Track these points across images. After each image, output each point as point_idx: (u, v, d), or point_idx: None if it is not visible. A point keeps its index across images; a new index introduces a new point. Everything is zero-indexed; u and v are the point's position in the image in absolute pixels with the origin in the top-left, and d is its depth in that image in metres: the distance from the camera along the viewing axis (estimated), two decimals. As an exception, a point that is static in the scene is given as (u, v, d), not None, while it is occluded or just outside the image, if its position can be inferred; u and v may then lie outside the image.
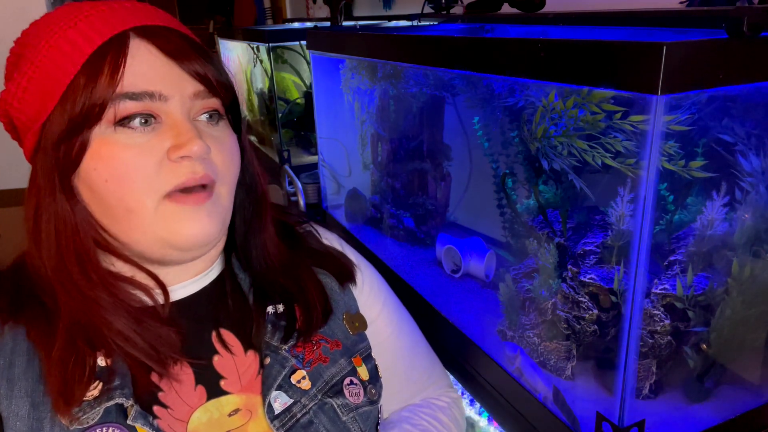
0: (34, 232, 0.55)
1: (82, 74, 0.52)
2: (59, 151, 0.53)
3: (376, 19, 1.85)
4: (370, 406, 0.64)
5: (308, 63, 1.77)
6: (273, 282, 0.65)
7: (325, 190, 1.41)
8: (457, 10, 1.18)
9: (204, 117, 0.57)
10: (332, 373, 0.63)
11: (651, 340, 0.67)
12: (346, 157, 1.36)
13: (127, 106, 0.52)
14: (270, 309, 0.64)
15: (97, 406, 0.53)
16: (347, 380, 0.64)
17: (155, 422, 0.55)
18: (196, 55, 0.55)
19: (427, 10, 1.20)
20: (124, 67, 0.52)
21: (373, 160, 1.25)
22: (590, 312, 0.69)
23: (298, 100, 1.93)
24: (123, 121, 0.53)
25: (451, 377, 0.90)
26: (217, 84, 0.57)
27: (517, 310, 0.80)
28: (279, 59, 1.89)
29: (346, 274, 0.72)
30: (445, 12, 1.18)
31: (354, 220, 1.34)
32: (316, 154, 1.63)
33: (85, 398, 0.53)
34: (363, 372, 0.66)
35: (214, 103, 0.58)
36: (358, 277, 0.74)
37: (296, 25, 2.31)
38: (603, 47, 0.51)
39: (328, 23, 1.85)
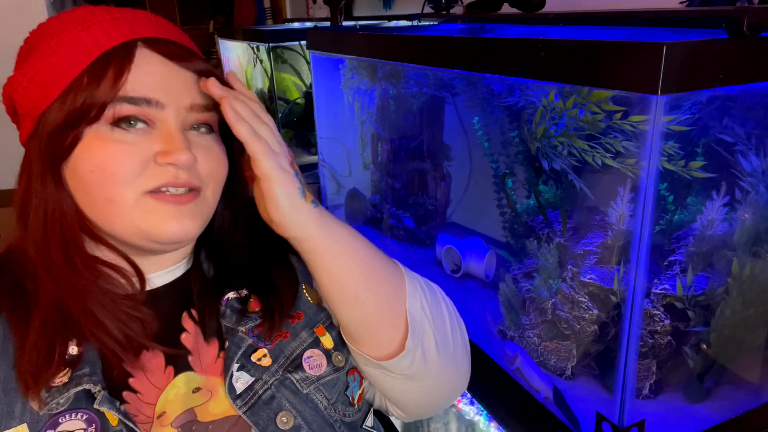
0: (23, 213, 0.58)
1: (86, 73, 0.55)
2: (53, 140, 0.56)
3: (376, 19, 1.85)
4: (336, 373, 0.66)
5: (308, 63, 1.77)
6: (238, 271, 0.67)
7: (325, 190, 1.41)
8: (457, 10, 1.18)
9: (193, 128, 0.60)
10: (293, 347, 0.65)
11: (651, 340, 0.67)
12: (346, 157, 1.36)
13: (123, 109, 0.55)
14: (231, 294, 0.66)
15: (65, 391, 0.55)
16: (307, 353, 0.65)
17: (122, 407, 0.57)
18: (198, 72, 0.59)
19: (427, 10, 1.20)
20: (128, 73, 0.55)
21: (373, 160, 1.25)
22: (590, 312, 0.69)
23: (298, 100, 1.93)
24: (118, 122, 0.56)
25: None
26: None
27: (517, 310, 0.80)
28: (279, 59, 1.89)
29: None
30: (445, 12, 1.18)
31: (354, 220, 1.34)
32: (316, 154, 1.63)
33: (54, 384, 0.55)
34: (327, 341, 0.67)
35: (208, 117, 0.60)
36: None
37: (296, 25, 2.31)
38: (603, 47, 0.51)
39: (328, 23, 1.85)
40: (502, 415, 0.78)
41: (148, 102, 0.56)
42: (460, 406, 1.06)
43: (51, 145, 0.57)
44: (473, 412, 1.00)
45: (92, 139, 0.56)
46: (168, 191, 0.56)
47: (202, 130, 0.61)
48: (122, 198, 0.56)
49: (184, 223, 0.57)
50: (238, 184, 0.67)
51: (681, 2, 0.95)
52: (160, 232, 0.57)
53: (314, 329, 0.67)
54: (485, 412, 0.87)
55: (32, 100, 0.58)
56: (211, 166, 0.60)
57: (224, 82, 0.61)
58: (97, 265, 0.59)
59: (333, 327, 0.69)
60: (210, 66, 0.61)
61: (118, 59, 0.55)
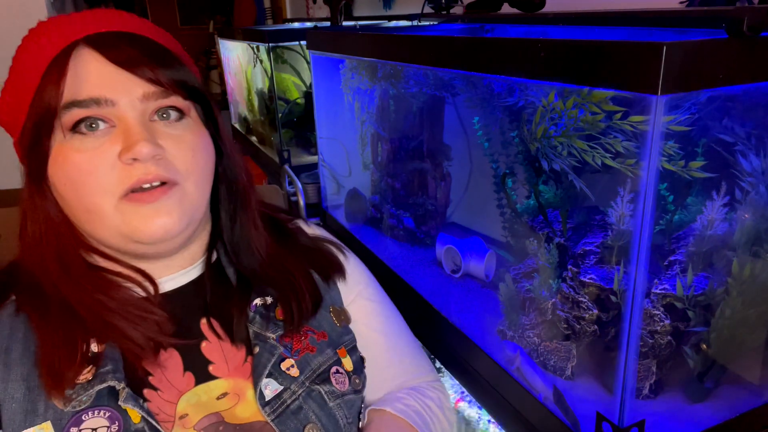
0: (22, 230, 0.59)
1: (40, 86, 0.55)
2: (30, 157, 0.57)
3: (376, 19, 1.85)
4: (354, 395, 0.66)
5: (308, 63, 1.77)
6: (262, 275, 0.66)
7: (325, 190, 1.41)
8: (457, 10, 1.18)
9: (162, 117, 0.58)
10: (319, 362, 0.65)
11: (651, 340, 0.67)
12: (346, 157, 1.36)
13: (74, 114, 0.55)
14: (258, 300, 0.65)
15: (90, 389, 0.55)
16: (333, 369, 0.66)
17: (145, 404, 0.57)
18: (146, 60, 0.57)
19: (427, 10, 1.20)
20: (65, 77, 0.54)
21: (373, 160, 1.25)
22: (590, 312, 0.69)
23: (298, 100, 1.93)
24: (75, 128, 0.55)
25: (452, 377, 0.90)
26: (172, 83, 0.58)
27: (517, 310, 0.80)
28: (279, 59, 1.89)
29: (334, 268, 0.73)
30: (445, 12, 1.18)
31: (354, 220, 1.34)
32: (316, 154, 1.63)
33: (77, 381, 0.55)
34: (347, 363, 0.68)
35: (173, 101, 0.59)
36: (346, 269, 0.75)
37: (296, 25, 2.31)
38: (603, 47, 0.51)
39: (328, 23, 1.85)
40: (502, 415, 0.78)
41: (96, 102, 0.54)
42: (460, 405, 1.06)
43: (30, 162, 0.57)
44: (473, 412, 1.00)
45: (57, 151, 0.56)
46: (142, 189, 0.55)
47: (172, 117, 0.59)
48: (101, 207, 0.55)
49: (161, 220, 0.56)
50: (234, 175, 0.66)
51: (681, 2, 0.95)
52: (140, 233, 0.56)
53: (337, 350, 0.67)
54: (486, 412, 0.87)
55: (12, 120, 0.58)
56: (185, 156, 0.58)
57: (185, 72, 0.59)
58: (102, 274, 0.59)
59: (354, 351, 0.69)
60: (165, 56, 0.58)
61: (58, 66, 0.55)
